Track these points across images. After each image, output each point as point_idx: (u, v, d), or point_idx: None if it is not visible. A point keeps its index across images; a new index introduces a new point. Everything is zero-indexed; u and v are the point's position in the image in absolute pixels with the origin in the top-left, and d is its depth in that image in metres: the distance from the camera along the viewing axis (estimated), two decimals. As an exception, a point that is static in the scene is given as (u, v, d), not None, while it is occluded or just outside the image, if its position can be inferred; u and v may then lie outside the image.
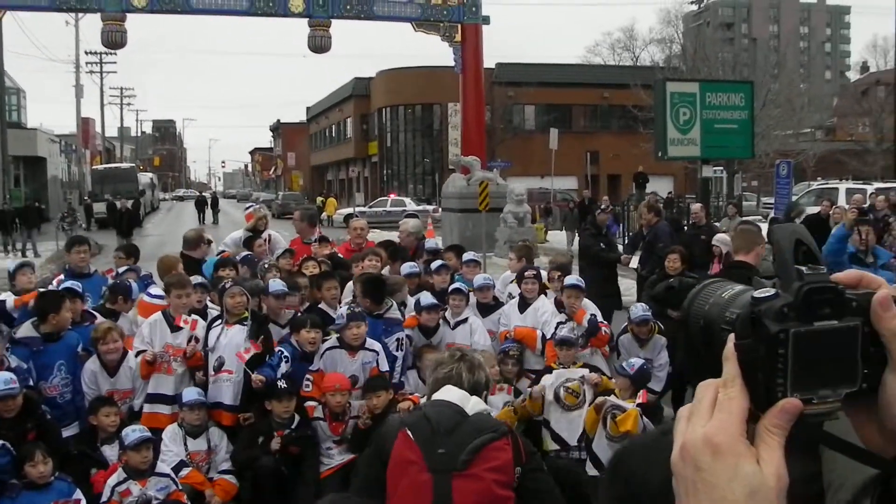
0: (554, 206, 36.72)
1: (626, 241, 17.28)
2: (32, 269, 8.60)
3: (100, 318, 7.15)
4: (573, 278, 7.82)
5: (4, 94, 38.31)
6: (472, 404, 3.68)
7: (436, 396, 3.76)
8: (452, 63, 27.88)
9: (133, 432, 5.86)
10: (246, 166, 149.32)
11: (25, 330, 6.69)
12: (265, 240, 9.89)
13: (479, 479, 3.45)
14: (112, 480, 5.83)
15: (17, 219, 29.43)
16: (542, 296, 8.05)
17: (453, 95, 35.36)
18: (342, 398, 6.59)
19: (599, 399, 6.66)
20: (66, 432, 6.44)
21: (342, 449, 6.70)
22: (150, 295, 7.72)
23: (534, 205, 28.87)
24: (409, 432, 3.60)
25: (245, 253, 9.15)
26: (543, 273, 8.44)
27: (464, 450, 3.48)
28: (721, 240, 10.26)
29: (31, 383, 6.22)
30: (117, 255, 9.65)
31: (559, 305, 7.86)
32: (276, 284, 7.37)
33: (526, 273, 8.10)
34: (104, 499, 5.75)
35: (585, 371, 6.91)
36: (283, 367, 6.72)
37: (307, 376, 6.79)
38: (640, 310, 7.88)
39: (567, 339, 7.04)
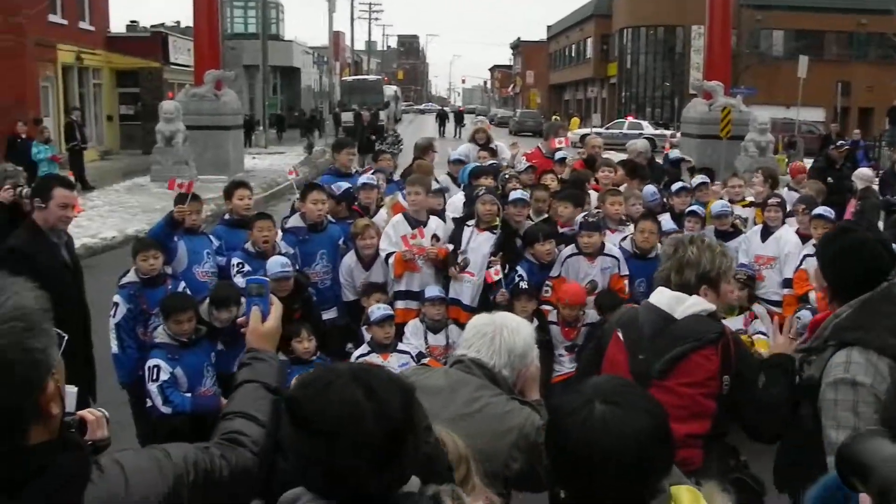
0: (798, 138, 34.85)
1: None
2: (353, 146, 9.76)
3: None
4: (822, 208, 7.60)
5: (266, 8, 40.69)
6: (685, 307, 3.53)
7: (650, 298, 3.70)
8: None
9: (378, 310, 6.37)
10: (485, 83, 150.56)
11: (294, 220, 7.39)
12: (494, 150, 10.49)
13: (674, 392, 3.37)
14: (357, 352, 6.41)
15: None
16: (786, 225, 7.90)
17: (697, 17, 34.03)
18: (571, 311, 6.81)
19: None
20: (325, 315, 7.09)
21: (573, 357, 6.94)
22: (403, 197, 8.19)
23: (777, 135, 27.55)
24: (619, 334, 3.66)
25: None
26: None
27: (661, 358, 3.46)
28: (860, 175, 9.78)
29: (297, 268, 6.81)
30: (385, 158, 10.31)
31: (803, 238, 7.69)
32: (516, 193, 7.59)
33: (770, 200, 7.96)
34: None
35: None
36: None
37: (547, 282, 7.04)
38: None
39: None
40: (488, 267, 7.02)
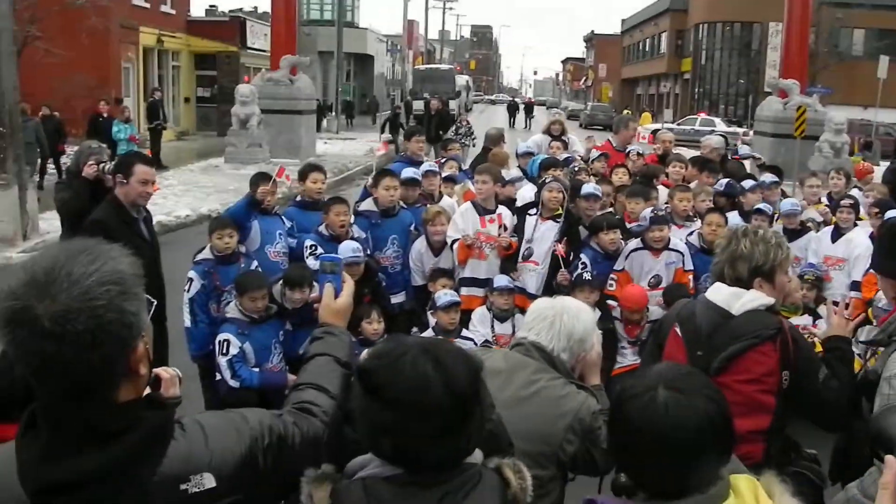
0: (875, 140, 33.97)
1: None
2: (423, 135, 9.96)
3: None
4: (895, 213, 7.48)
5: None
6: (742, 303, 3.48)
7: (707, 293, 3.66)
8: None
9: (444, 295, 6.47)
10: (557, 75, 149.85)
11: (367, 204, 7.50)
12: (565, 143, 10.52)
13: (730, 389, 3.17)
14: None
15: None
16: (858, 226, 7.77)
17: (775, 14, 33.31)
18: (637, 316, 6.84)
19: None
20: (395, 299, 7.23)
21: (636, 350, 6.94)
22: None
23: (853, 136, 26.87)
24: (678, 329, 3.63)
25: None
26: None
27: (718, 355, 3.41)
28: None
29: (369, 252, 6.95)
30: (454, 147, 10.45)
31: (875, 241, 7.56)
32: (588, 187, 7.62)
33: (842, 202, 7.84)
34: None
35: None
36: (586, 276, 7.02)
37: (612, 276, 7.06)
38: None
39: None
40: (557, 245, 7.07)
